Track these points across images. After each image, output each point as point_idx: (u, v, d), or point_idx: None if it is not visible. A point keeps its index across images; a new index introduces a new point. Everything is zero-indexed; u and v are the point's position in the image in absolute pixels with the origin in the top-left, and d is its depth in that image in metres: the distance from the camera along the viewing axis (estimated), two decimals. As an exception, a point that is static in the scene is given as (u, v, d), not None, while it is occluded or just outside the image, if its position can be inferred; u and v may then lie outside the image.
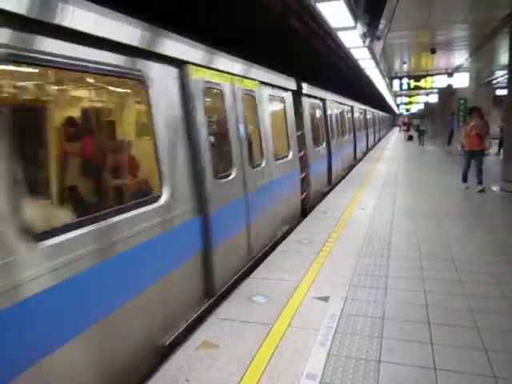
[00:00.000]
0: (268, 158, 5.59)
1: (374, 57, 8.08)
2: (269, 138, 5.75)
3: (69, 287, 2.28)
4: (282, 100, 6.66)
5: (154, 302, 3.06)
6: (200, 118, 3.78)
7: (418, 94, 29.68)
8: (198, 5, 6.53)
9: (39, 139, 3.34)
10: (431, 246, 5.16)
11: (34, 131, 3.27)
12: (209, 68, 4.06)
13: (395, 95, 29.22)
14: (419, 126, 25.36)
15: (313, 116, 8.93)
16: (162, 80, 3.33)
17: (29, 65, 2.37)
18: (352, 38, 6.14)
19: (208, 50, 4.08)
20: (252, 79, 5.20)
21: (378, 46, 7.27)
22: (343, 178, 11.69)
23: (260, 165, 5.33)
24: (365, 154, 19.18)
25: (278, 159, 6.09)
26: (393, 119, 62.29)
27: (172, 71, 3.51)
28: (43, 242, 2.15)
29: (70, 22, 2.34)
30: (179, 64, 3.57)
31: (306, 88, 7.75)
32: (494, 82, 17.32)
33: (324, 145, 9.58)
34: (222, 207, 4.09)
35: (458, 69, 15.41)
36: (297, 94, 7.37)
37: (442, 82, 14.72)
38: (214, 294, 3.88)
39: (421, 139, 23.42)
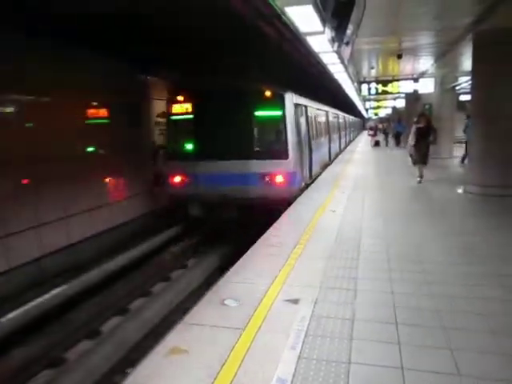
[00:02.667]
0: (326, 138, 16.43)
1: (342, 61, 8.20)
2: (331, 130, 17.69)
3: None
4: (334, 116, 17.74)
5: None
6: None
7: (385, 99, 30.32)
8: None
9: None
10: (399, 248, 5.27)
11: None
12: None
13: (364, 99, 29.75)
14: (385, 130, 28.45)
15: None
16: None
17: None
18: (321, 43, 6.23)
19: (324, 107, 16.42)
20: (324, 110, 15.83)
21: (347, 52, 7.40)
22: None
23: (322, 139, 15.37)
24: (345, 146, 26.40)
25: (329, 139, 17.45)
26: (362, 123, 63.56)
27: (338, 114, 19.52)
28: None
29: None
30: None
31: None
32: (457, 87, 17.86)
33: (327, 137, 16.48)
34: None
35: (423, 74, 15.82)
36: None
37: (408, 87, 15.07)
38: (329, 164, 15.29)
39: (386, 141, 26.90)
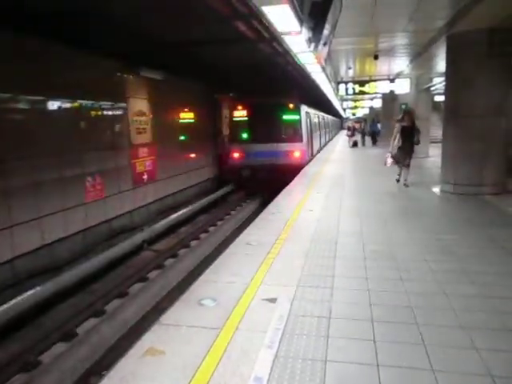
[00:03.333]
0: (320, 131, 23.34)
1: (319, 61, 8.27)
2: (321, 128, 23.66)
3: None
4: (322, 118, 25.14)
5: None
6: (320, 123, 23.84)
7: (363, 99, 30.71)
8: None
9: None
10: (375, 246, 5.34)
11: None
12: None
13: (342, 99, 30.06)
14: (363, 129, 29.10)
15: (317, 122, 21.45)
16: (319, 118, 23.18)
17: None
18: (299, 44, 6.26)
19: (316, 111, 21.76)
20: (318, 114, 21.84)
21: (324, 52, 7.46)
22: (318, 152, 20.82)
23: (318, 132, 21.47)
24: (329, 140, 32.26)
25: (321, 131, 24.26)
26: (340, 123, 64.54)
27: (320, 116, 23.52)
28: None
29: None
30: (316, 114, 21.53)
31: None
32: (432, 88, 18.21)
33: (319, 132, 21.89)
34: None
35: (399, 75, 16.07)
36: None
37: (384, 87, 15.29)
38: (320, 149, 21.90)
39: (363, 140, 27.22)
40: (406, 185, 10.02)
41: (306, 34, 5.14)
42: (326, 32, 5.30)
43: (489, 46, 8.18)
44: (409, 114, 10.14)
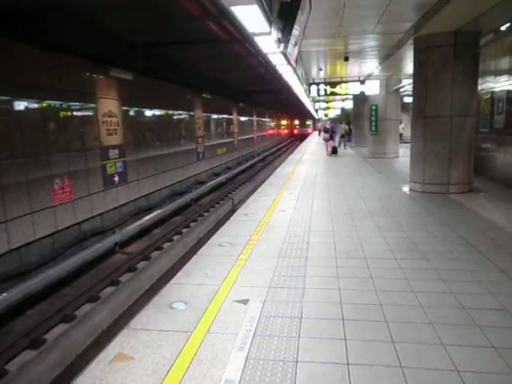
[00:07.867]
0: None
1: (289, 62, 8.32)
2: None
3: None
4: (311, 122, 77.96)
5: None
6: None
7: (334, 100, 31.07)
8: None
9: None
10: (346, 245, 5.41)
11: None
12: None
13: (313, 101, 30.30)
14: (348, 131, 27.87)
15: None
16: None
17: None
18: (268, 44, 6.25)
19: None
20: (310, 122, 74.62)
21: (294, 53, 7.50)
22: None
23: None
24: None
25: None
26: (313, 124, 71.96)
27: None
28: None
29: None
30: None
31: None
32: (401, 89, 18.58)
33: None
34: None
35: (369, 76, 16.33)
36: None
37: (355, 88, 15.48)
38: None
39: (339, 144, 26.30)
40: None
41: (275, 34, 5.14)
42: (295, 33, 5.32)
43: (454, 47, 8.42)
44: None
